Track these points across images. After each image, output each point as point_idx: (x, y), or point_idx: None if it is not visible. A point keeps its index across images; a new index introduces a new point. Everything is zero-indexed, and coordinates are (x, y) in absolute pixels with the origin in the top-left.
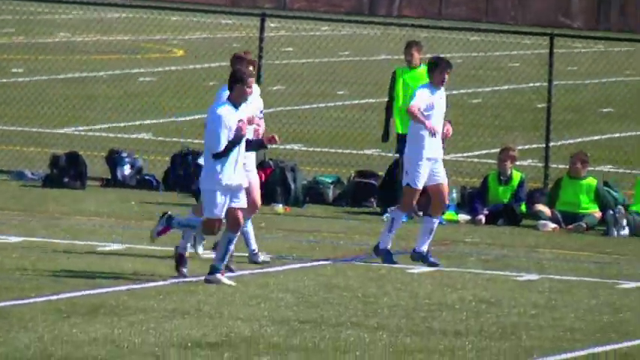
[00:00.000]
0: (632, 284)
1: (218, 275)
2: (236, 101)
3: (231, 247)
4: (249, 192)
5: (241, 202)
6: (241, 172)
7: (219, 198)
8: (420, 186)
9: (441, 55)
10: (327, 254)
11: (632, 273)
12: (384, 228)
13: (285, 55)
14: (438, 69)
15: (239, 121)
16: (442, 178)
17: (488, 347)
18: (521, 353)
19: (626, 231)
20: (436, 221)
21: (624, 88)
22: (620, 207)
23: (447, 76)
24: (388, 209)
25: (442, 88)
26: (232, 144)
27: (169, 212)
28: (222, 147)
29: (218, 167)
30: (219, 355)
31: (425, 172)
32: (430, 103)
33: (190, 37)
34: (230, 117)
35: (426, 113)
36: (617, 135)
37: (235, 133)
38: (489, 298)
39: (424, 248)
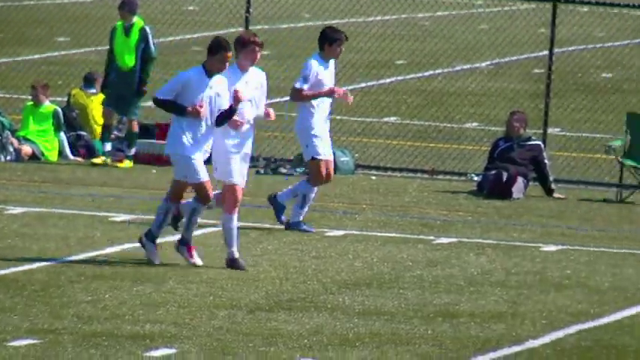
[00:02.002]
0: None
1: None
2: (212, 69)
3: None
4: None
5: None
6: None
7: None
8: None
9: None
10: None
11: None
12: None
13: None
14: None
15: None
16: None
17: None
18: None
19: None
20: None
21: None
22: (7, 132)
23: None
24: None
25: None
26: (175, 109)
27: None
28: (165, 96)
29: (185, 133)
30: None
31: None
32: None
33: None
34: (197, 82)
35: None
36: None
37: (189, 108)
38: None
39: (300, 218)
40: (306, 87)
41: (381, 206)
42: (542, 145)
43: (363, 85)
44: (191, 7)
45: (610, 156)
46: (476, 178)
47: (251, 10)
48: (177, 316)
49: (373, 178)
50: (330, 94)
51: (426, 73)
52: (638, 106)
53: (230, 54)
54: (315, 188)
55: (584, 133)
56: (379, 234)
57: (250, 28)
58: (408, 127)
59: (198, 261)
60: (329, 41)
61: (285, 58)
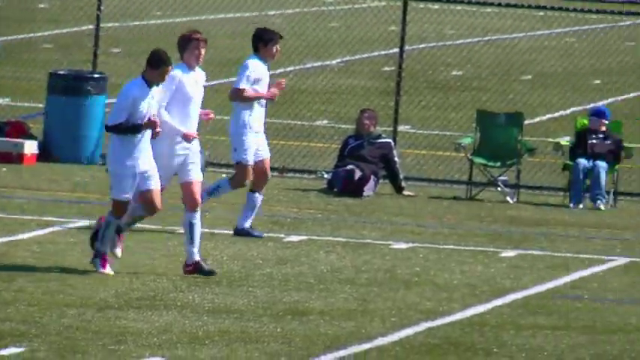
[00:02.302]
0: None
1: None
2: (153, 80)
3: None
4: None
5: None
6: (148, 156)
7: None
8: (251, 161)
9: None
10: None
11: None
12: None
13: None
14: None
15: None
16: (265, 152)
17: None
18: None
19: None
20: (259, 197)
21: None
22: None
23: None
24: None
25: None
26: (133, 129)
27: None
28: (118, 120)
29: (125, 150)
30: None
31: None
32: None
33: None
34: (141, 96)
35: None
36: None
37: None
38: None
39: (247, 224)
40: (248, 87)
41: (231, 204)
42: (393, 143)
43: (214, 82)
44: (42, 5)
45: (460, 153)
46: (326, 176)
47: (102, 7)
48: (27, 315)
49: (224, 176)
50: (270, 98)
51: (277, 71)
52: (488, 103)
53: (170, 67)
54: (231, 189)
55: (434, 130)
56: (228, 232)
57: (101, 25)
58: None
59: (109, 272)
60: (263, 42)
61: (136, 56)
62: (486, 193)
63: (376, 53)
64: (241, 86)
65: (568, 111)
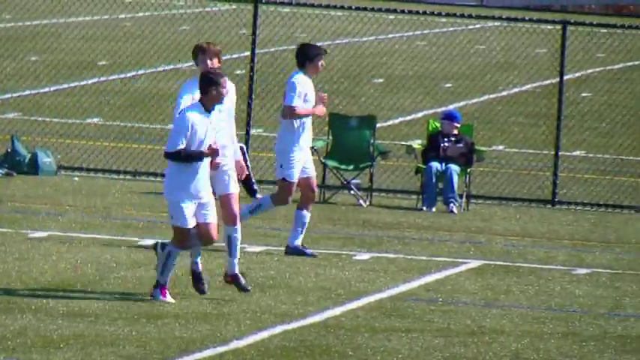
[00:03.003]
0: None
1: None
2: (209, 105)
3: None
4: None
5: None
6: (207, 186)
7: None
8: (296, 179)
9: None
10: None
11: None
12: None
13: None
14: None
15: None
16: (312, 169)
17: None
18: None
19: None
20: (307, 214)
21: None
22: None
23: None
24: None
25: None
26: (193, 157)
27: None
28: (176, 148)
29: (183, 177)
30: None
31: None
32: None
33: None
34: (200, 122)
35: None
36: None
37: (206, 151)
38: None
39: (298, 242)
40: (299, 103)
41: (85, 207)
42: (245, 147)
43: (65, 86)
44: None
45: (312, 157)
46: None
47: None
48: None
49: (76, 179)
50: (320, 114)
51: (129, 74)
52: (340, 106)
53: (222, 84)
54: (274, 207)
55: None
56: (83, 235)
57: None
58: (111, 129)
59: (170, 300)
60: (310, 58)
61: None
62: (340, 197)
63: (227, 57)
64: (293, 104)
65: (420, 114)
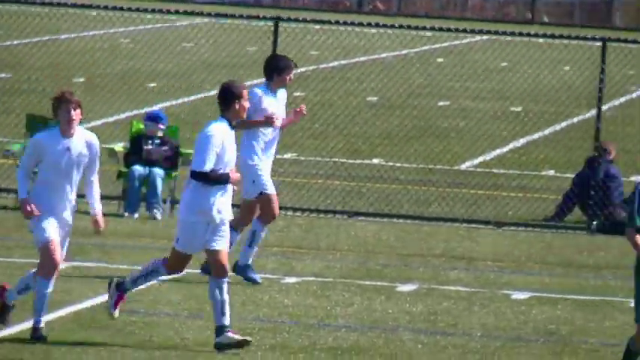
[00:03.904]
0: None
1: (229, 334)
2: (233, 119)
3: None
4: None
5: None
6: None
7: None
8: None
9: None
10: None
11: None
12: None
13: None
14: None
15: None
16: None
17: None
18: None
19: None
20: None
21: None
22: None
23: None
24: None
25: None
26: (220, 178)
27: (114, 278)
28: (207, 167)
29: (207, 195)
30: None
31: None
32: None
33: None
34: (227, 137)
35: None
36: None
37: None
38: None
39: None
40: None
41: None
42: None
43: None
44: None
45: (9, 160)
46: None
47: None
48: None
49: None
50: (267, 123)
51: None
52: (39, 107)
53: (245, 93)
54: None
55: None
56: None
57: None
58: None
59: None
60: (277, 71)
61: None
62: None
63: None
64: None
65: (123, 115)
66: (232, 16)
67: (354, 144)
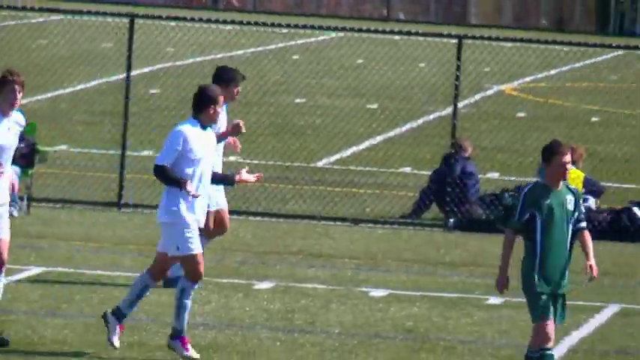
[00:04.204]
0: None
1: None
2: (205, 123)
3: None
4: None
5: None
6: (201, 210)
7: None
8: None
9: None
10: None
11: None
12: None
13: None
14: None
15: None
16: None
17: None
18: None
19: None
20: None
21: None
22: None
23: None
24: None
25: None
26: (174, 180)
27: (107, 310)
28: (167, 162)
29: (179, 198)
30: None
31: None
32: None
33: None
34: (195, 137)
35: None
36: None
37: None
38: None
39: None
40: None
41: None
42: None
43: None
44: None
45: None
46: None
47: None
48: None
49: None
50: (233, 133)
51: None
52: None
53: (221, 99)
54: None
55: None
56: None
57: None
58: None
59: (194, 354)
60: (225, 82)
61: None
62: None
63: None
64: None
65: None
66: (88, 13)
67: None
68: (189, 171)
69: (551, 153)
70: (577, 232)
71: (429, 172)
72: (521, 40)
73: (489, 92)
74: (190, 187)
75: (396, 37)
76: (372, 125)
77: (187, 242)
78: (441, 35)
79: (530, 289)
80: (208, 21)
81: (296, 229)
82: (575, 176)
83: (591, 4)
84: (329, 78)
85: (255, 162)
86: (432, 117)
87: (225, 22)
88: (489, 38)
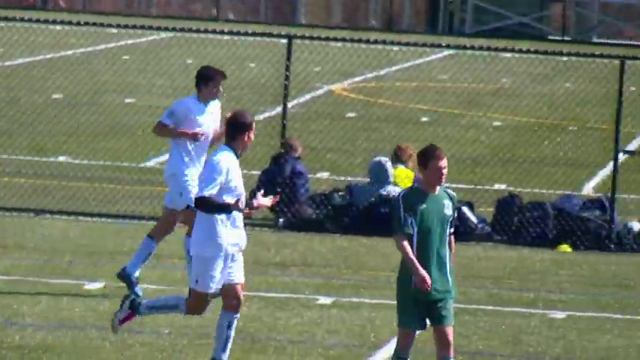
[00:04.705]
0: None
1: None
2: (240, 152)
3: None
4: None
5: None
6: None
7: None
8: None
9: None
10: None
11: None
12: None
13: None
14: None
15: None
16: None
17: None
18: None
19: None
20: (155, 246)
21: None
22: None
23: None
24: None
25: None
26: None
27: (132, 295)
28: (211, 193)
29: (217, 226)
30: None
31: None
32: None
33: None
34: (234, 166)
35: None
36: None
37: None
38: None
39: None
40: (170, 123)
41: None
42: None
43: None
44: None
45: None
46: None
47: None
48: None
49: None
50: (192, 138)
51: None
52: None
53: (253, 124)
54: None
55: None
56: None
57: None
58: None
59: None
60: (204, 82)
61: None
62: None
63: None
64: (163, 120)
65: None
66: None
67: (40, 142)
68: (230, 200)
69: (427, 157)
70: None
71: (259, 172)
72: (351, 41)
73: (319, 92)
74: (242, 204)
75: (226, 37)
76: None
77: (207, 279)
78: (271, 35)
79: (405, 294)
80: (37, 21)
81: (126, 229)
82: (405, 176)
83: (420, 4)
84: (159, 78)
85: (85, 162)
86: (261, 117)
87: (54, 22)
88: (319, 38)
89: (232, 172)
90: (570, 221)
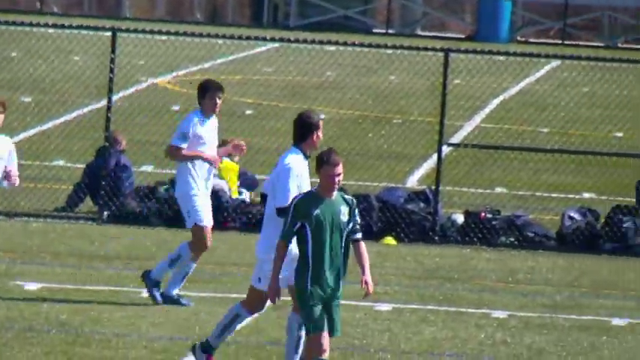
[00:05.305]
0: None
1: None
2: (308, 152)
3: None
4: None
5: None
6: None
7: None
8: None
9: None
10: None
11: None
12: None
13: None
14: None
15: None
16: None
17: None
18: None
19: None
20: (194, 265)
21: None
22: None
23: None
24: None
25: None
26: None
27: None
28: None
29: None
30: None
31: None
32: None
33: None
34: (304, 168)
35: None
36: None
37: None
38: None
39: (176, 292)
40: (184, 145)
41: None
42: None
43: None
44: None
45: None
46: None
47: None
48: None
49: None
50: (210, 159)
51: None
52: None
53: (321, 123)
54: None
55: None
56: None
57: None
58: None
59: None
60: (202, 93)
61: None
62: None
63: None
64: (177, 144)
65: None
66: None
67: None
68: None
69: (320, 163)
70: (352, 244)
71: (83, 166)
72: (175, 34)
73: (143, 85)
74: None
75: (50, 31)
76: (27, 118)
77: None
78: (95, 28)
79: (304, 300)
80: None
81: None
82: (230, 168)
83: None
84: None
85: None
86: (86, 110)
87: None
88: (143, 31)
89: (303, 178)
90: (395, 213)
